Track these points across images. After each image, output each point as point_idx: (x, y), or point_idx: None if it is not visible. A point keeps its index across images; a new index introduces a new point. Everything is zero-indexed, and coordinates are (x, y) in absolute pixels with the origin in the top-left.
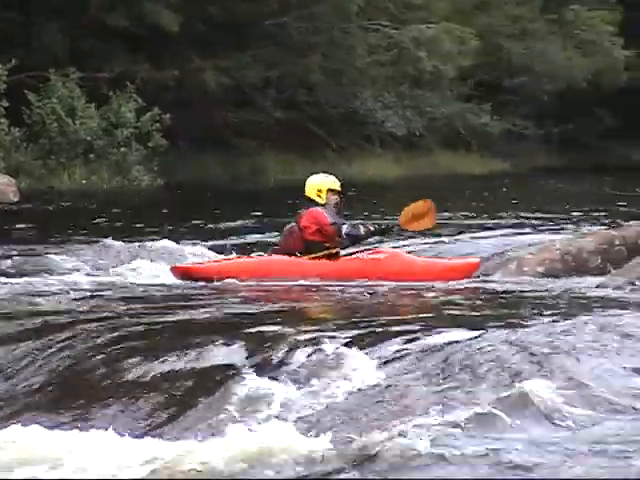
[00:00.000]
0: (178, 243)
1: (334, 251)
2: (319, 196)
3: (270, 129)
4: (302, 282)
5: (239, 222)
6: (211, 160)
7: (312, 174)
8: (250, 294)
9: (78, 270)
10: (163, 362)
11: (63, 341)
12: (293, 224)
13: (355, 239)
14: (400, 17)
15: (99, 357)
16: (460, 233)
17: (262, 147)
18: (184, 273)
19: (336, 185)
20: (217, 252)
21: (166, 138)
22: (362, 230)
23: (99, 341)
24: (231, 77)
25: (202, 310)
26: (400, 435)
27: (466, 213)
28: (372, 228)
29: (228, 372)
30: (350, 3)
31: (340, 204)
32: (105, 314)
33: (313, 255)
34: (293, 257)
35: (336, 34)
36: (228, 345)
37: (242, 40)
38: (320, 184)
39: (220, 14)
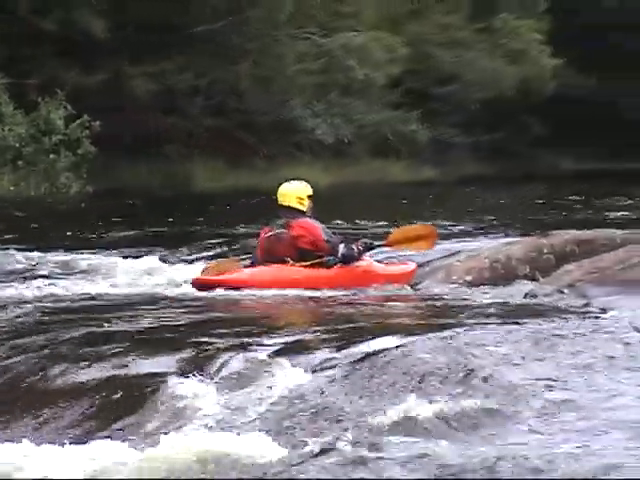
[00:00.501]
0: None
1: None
2: (301, 203)
3: (199, 136)
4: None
5: (160, 229)
6: (140, 167)
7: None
8: (205, 302)
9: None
10: (96, 369)
11: None
12: (278, 231)
13: (350, 259)
14: (329, 25)
15: (28, 365)
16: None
17: (191, 154)
18: (206, 284)
19: (311, 191)
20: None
21: (95, 145)
22: (355, 251)
23: (26, 349)
24: (161, 83)
25: (144, 319)
26: (329, 441)
27: (394, 222)
28: (361, 247)
29: (159, 380)
30: (279, 11)
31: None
32: (31, 323)
33: (306, 263)
34: (296, 265)
35: (266, 41)
36: (161, 353)
37: (172, 46)
38: (301, 191)
39: (150, 20)
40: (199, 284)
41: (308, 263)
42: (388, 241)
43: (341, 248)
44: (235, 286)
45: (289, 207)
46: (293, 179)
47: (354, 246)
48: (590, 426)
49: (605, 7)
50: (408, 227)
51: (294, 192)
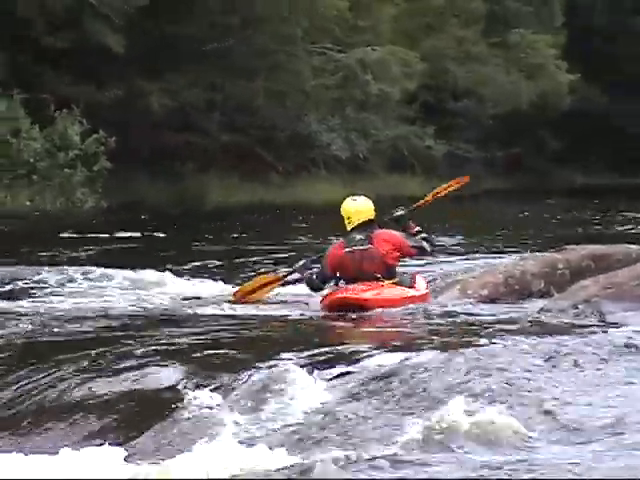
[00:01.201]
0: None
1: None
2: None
3: (214, 152)
4: None
5: (171, 244)
6: (155, 183)
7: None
8: (220, 317)
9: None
10: (112, 383)
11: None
12: (363, 247)
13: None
14: (345, 40)
15: (43, 378)
16: None
17: (206, 170)
18: (340, 303)
19: None
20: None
21: (111, 160)
22: (429, 240)
23: (40, 362)
24: (175, 99)
25: (159, 333)
26: (347, 458)
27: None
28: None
29: (175, 394)
30: (294, 27)
31: None
32: (46, 337)
33: (393, 281)
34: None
35: (281, 57)
36: (178, 367)
37: (186, 63)
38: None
39: (164, 36)
40: (336, 304)
41: (394, 281)
42: (425, 200)
43: (425, 245)
44: (369, 306)
45: (369, 221)
46: (354, 194)
47: (425, 235)
48: (608, 442)
49: (619, 23)
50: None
51: (370, 206)
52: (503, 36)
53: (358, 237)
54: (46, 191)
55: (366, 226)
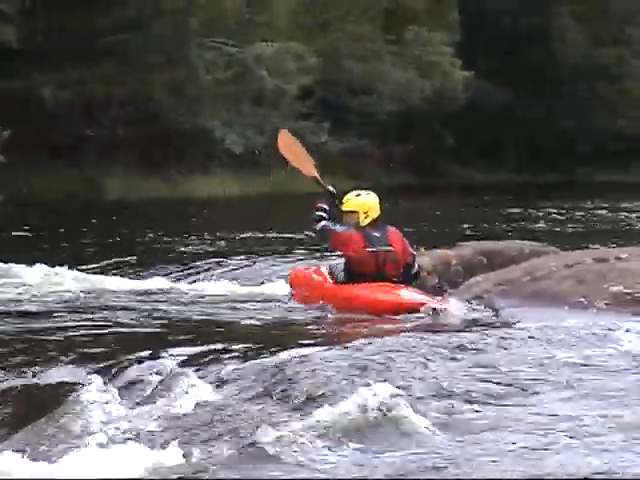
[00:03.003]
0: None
1: None
2: None
3: (112, 146)
4: None
5: (65, 238)
6: (51, 176)
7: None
8: (115, 313)
9: None
10: (3, 379)
11: None
12: (385, 248)
13: None
14: (241, 36)
15: None
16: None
17: (102, 164)
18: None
19: None
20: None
21: (5, 154)
22: None
23: None
24: (72, 92)
25: (48, 328)
26: (235, 452)
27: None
28: None
29: (66, 390)
30: (191, 20)
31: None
32: None
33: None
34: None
35: (176, 52)
36: (72, 363)
37: (82, 55)
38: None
39: (60, 29)
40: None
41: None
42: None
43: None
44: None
45: (378, 219)
46: (357, 191)
47: None
48: (499, 438)
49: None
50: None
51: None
52: (400, 33)
53: (377, 235)
54: None
55: (376, 223)
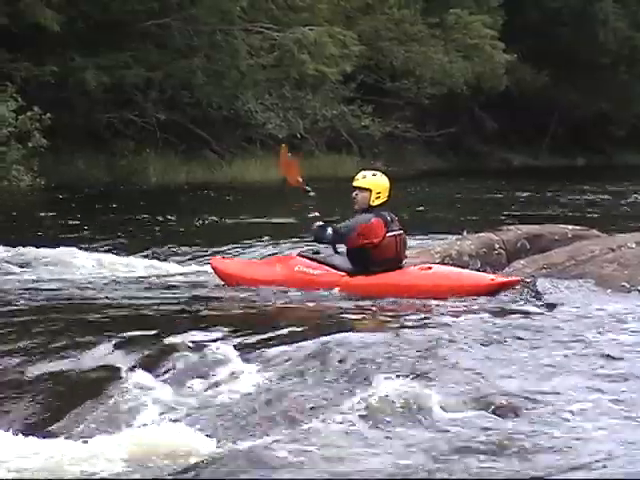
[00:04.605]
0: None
1: None
2: None
3: (151, 130)
4: None
5: (113, 223)
6: (91, 161)
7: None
8: (155, 298)
9: None
10: (47, 361)
11: None
12: (401, 232)
13: None
14: (283, 19)
15: None
16: None
17: (143, 148)
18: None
19: None
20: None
21: (47, 138)
22: None
23: None
24: (112, 76)
25: (93, 313)
26: (283, 436)
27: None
28: None
29: (112, 373)
30: (232, 5)
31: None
32: None
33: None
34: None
35: (218, 36)
36: (115, 347)
37: (123, 40)
38: None
39: (101, 13)
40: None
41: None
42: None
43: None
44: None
45: (386, 202)
46: (366, 169)
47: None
48: (534, 418)
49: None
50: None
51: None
52: (441, 16)
53: (390, 218)
54: None
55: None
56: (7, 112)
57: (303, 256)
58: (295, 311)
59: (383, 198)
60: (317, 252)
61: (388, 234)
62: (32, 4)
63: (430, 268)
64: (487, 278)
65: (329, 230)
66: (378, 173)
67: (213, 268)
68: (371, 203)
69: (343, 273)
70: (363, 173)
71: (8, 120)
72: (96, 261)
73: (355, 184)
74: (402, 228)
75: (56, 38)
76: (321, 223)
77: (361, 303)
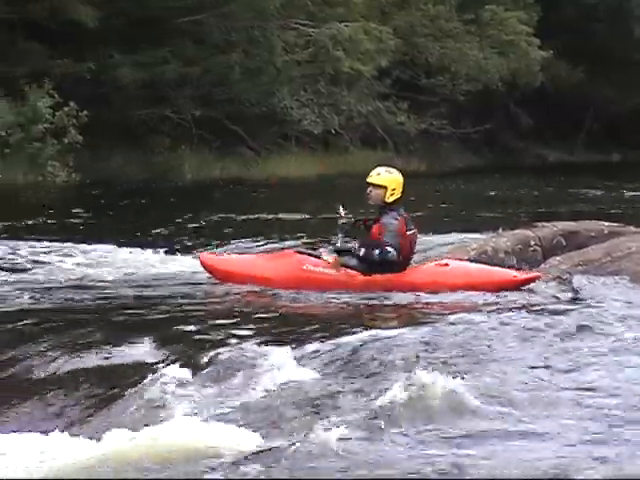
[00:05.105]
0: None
1: None
2: None
3: (186, 126)
4: None
5: (148, 220)
6: (126, 156)
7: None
8: (192, 295)
9: None
10: (80, 359)
11: None
12: (415, 230)
13: None
14: (318, 15)
15: (13, 354)
16: None
17: (178, 145)
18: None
19: None
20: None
21: (83, 134)
22: None
23: (13, 338)
24: (148, 73)
25: (129, 309)
26: (318, 431)
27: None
28: None
29: (145, 370)
30: (268, 1)
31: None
32: (12, 312)
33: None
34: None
35: (254, 32)
36: (151, 343)
37: (159, 36)
38: None
39: (138, 9)
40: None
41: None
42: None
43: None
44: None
45: (400, 199)
46: (381, 165)
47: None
48: (573, 412)
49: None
50: None
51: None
52: (476, 12)
53: (408, 216)
54: (17, 165)
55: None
56: (44, 108)
57: (302, 253)
58: (323, 309)
59: (397, 195)
60: (315, 248)
61: (407, 232)
62: (69, 0)
63: (447, 265)
64: (502, 274)
65: (376, 252)
66: (393, 170)
67: (203, 264)
68: (386, 200)
69: (356, 273)
70: (378, 170)
71: (44, 116)
72: (131, 257)
73: (369, 180)
74: (415, 227)
75: (93, 35)
76: (353, 245)
77: (385, 301)
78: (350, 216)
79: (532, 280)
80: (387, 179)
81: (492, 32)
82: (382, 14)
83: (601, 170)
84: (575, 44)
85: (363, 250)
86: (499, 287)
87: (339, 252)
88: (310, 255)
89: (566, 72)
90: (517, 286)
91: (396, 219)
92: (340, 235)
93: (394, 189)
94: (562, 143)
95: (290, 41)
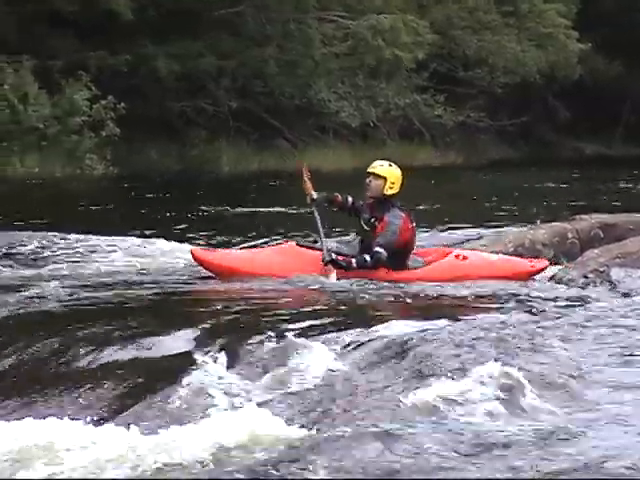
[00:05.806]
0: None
1: None
2: None
3: (223, 119)
4: None
5: (186, 212)
6: (163, 149)
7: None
8: (230, 287)
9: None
10: (121, 350)
11: (19, 329)
12: (414, 226)
13: None
14: (356, 7)
15: (54, 345)
16: None
17: (215, 137)
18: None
19: None
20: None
21: (120, 127)
22: None
23: (55, 328)
24: (184, 65)
25: (168, 301)
26: (360, 423)
27: (418, 207)
28: None
29: (184, 362)
30: None
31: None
32: (51, 303)
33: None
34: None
35: (292, 25)
36: (190, 334)
37: (196, 28)
38: None
39: (172, 1)
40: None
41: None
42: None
43: None
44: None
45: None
46: (382, 159)
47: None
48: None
49: None
50: None
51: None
52: (514, 5)
53: (404, 210)
54: (55, 157)
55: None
56: (81, 101)
57: (301, 246)
58: (356, 302)
59: (396, 189)
60: (315, 241)
61: (410, 226)
62: None
63: (466, 258)
64: (520, 264)
65: (380, 252)
66: (394, 165)
67: (197, 260)
68: (385, 192)
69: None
70: (379, 162)
71: (82, 109)
72: (169, 250)
73: (370, 170)
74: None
75: (129, 27)
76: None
77: (413, 294)
78: (324, 194)
79: (543, 269)
80: (388, 171)
81: (530, 24)
82: (419, 7)
83: (639, 163)
84: (613, 37)
85: (355, 262)
86: (519, 277)
87: (334, 262)
88: (310, 248)
89: (604, 65)
90: (532, 275)
91: (401, 217)
92: (323, 238)
93: (393, 182)
94: (599, 136)
95: (328, 34)
